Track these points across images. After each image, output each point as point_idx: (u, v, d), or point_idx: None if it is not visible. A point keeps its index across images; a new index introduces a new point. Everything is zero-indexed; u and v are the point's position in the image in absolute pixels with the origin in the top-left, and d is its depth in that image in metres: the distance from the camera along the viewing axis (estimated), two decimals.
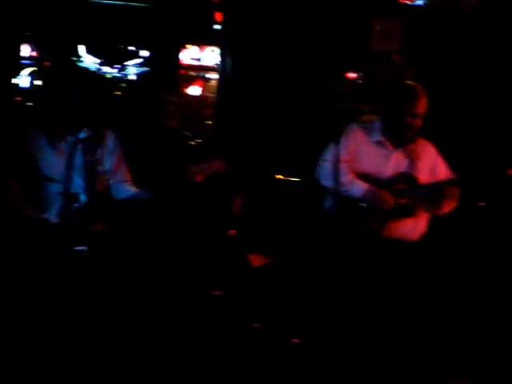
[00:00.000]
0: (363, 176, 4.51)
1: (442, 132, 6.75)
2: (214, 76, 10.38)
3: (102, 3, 9.00)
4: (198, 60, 13.32)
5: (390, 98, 4.67)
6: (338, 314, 4.28)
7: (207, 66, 13.41)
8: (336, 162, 4.24)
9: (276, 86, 8.02)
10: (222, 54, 8.92)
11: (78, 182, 4.30)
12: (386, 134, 4.61)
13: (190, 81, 12.43)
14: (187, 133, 8.10)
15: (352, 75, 8.50)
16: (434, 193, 4.53)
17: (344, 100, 8.00)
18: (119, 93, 9.13)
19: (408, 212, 4.50)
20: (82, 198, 4.24)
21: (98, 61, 8.98)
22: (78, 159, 4.28)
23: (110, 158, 4.57)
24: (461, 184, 4.58)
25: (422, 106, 4.52)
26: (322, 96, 7.95)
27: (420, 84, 4.81)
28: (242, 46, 8.27)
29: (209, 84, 12.65)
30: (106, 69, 9.11)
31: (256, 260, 4.71)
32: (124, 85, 9.41)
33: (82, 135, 4.36)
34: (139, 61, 9.25)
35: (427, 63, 8.01)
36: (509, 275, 5.14)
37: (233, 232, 4.95)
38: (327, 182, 4.54)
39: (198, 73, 12.89)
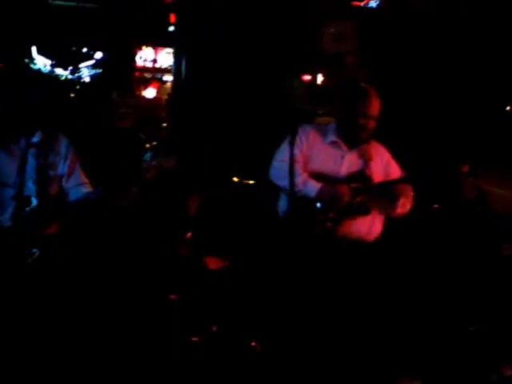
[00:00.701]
0: (317, 176, 4.52)
1: (395, 132, 6.82)
2: (170, 78, 10.34)
3: (54, 4, 8.90)
4: (153, 62, 13.28)
5: (344, 99, 4.70)
6: (294, 315, 4.28)
7: (162, 68, 13.37)
8: (289, 163, 4.25)
9: (230, 88, 8.01)
10: (176, 56, 8.87)
11: (30, 186, 4.26)
12: (340, 135, 4.63)
13: (145, 83, 12.37)
14: (142, 135, 8.07)
15: (307, 77, 8.54)
16: (387, 191, 4.56)
17: (300, 101, 8.03)
18: (73, 95, 9.04)
19: (363, 210, 4.52)
20: (34, 202, 4.20)
21: (51, 62, 8.88)
22: (31, 163, 4.23)
23: (62, 162, 4.51)
24: (413, 182, 4.62)
25: (375, 107, 4.55)
26: (277, 97, 7.96)
27: (373, 85, 4.84)
28: (195, 48, 8.24)
29: (164, 86, 12.60)
30: (58, 70, 9.01)
31: (213, 262, 4.68)
32: (77, 87, 9.32)
33: (35, 139, 4.31)
34: (92, 62, 9.17)
35: (381, 64, 8.07)
36: (462, 274, 5.20)
37: (189, 234, 4.92)
38: (281, 182, 4.54)
39: (153, 74, 12.84)
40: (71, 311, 4.06)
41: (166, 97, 10.96)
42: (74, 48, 8.91)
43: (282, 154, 4.52)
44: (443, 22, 8.18)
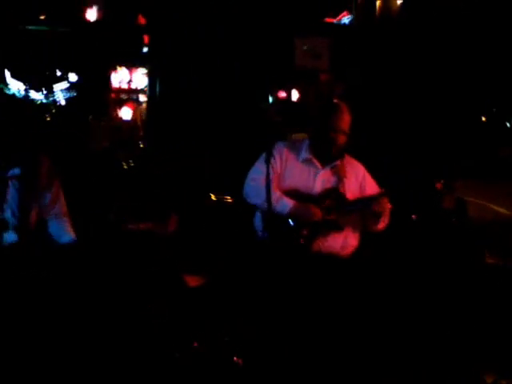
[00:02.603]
0: (291, 194, 4.56)
1: (371, 146, 6.93)
2: (146, 98, 10.38)
3: (28, 28, 8.95)
4: (129, 82, 13.31)
5: (315, 114, 4.76)
6: (272, 329, 4.32)
7: (138, 89, 13.41)
8: (263, 180, 4.30)
9: (204, 106, 8.09)
10: (150, 76, 8.94)
11: (8, 217, 4.20)
12: (314, 152, 4.68)
13: (121, 104, 12.39)
14: (120, 157, 8.11)
15: (283, 94, 8.63)
16: (362, 209, 4.62)
17: (274, 118, 8.11)
18: (49, 118, 9.07)
19: (335, 227, 4.57)
20: (12, 236, 4.15)
21: (25, 87, 8.90)
22: (12, 194, 4.18)
23: (46, 193, 4.43)
24: (388, 198, 4.67)
25: (346, 122, 4.60)
26: (253, 114, 8.04)
27: (348, 101, 4.92)
28: (168, 67, 8.32)
29: (140, 106, 12.64)
30: (33, 94, 9.04)
31: (192, 280, 4.73)
32: (53, 110, 9.35)
33: (16, 171, 4.23)
34: (67, 85, 9.20)
35: (355, 79, 8.18)
36: (443, 284, 5.26)
37: (168, 252, 4.96)
38: (254, 200, 4.59)
39: (128, 95, 12.87)
40: (55, 333, 4.09)
41: (142, 117, 11.01)
42: (47, 72, 8.95)
43: (256, 172, 4.56)
44: (416, 35, 8.32)
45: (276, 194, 4.50)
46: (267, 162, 4.17)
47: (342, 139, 4.56)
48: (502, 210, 7.74)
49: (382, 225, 4.69)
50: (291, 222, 4.51)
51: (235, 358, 4.31)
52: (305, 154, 4.68)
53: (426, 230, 5.94)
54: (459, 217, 6.04)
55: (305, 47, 8.43)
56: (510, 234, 6.06)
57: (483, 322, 4.90)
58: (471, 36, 8.48)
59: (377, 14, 8.79)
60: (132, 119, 11.38)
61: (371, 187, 4.78)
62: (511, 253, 5.66)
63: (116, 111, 12.31)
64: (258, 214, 4.66)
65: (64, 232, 4.49)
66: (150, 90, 8.70)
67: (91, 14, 9.41)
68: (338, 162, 4.65)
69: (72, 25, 9.08)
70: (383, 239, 5.31)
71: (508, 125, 9.24)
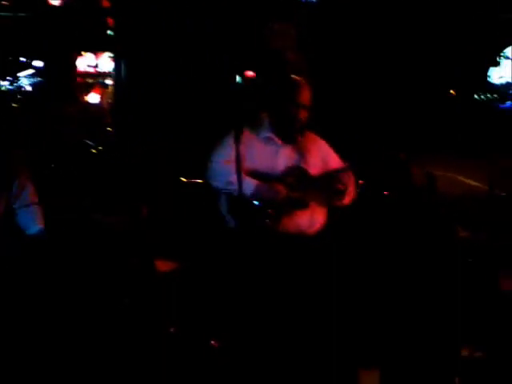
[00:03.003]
0: (254, 174, 4.51)
1: (336, 122, 6.92)
2: (112, 82, 10.29)
3: None
4: (95, 67, 13.18)
5: (274, 91, 4.72)
6: (244, 313, 4.30)
7: (104, 73, 13.28)
8: (224, 162, 4.27)
9: (172, 88, 8.01)
10: (116, 60, 8.82)
11: None
12: (274, 130, 4.62)
13: (88, 88, 12.27)
14: (89, 141, 8.03)
15: (250, 74, 8.58)
16: (327, 184, 4.58)
17: (243, 99, 8.06)
18: (15, 105, 8.96)
19: (300, 205, 4.53)
20: None
21: None
22: None
23: (13, 181, 4.38)
24: (352, 172, 4.64)
25: (307, 96, 4.56)
26: (221, 95, 7.99)
27: (315, 79, 4.89)
28: (134, 50, 8.22)
29: (108, 90, 12.52)
30: None
31: (163, 265, 4.70)
32: (19, 97, 9.24)
33: None
34: (32, 71, 9.09)
35: (321, 58, 8.15)
36: (415, 261, 5.28)
37: (139, 237, 4.93)
38: (217, 182, 4.53)
39: (95, 80, 12.74)
40: (26, 322, 4.05)
41: (109, 101, 10.91)
42: (11, 58, 8.83)
43: (218, 155, 4.51)
44: (383, 9, 8.31)
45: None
46: (237, 141, 4.13)
47: (303, 114, 4.51)
48: (471, 182, 7.80)
49: (348, 199, 4.66)
50: (256, 203, 4.46)
51: (212, 342, 4.30)
52: (265, 133, 4.62)
53: (397, 206, 5.94)
54: (430, 192, 6.05)
55: (272, 25, 8.38)
56: (481, 207, 6.10)
57: (456, 296, 4.92)
58: (441, 8, 8.47)
59: None
60: (99, 103, 11.29)
61: (335, 162, 4.73)
62: (482, 226, 5.68)
63: (83, 96, 12.21)
64: (222, 197, 4.61)
65: (32, 222, 4.43)
66: (117, 73, 8.58)
67: None
68: (300, 139, 4.60)
69: (35, 9, 8.96)
70: (353, 215, 5.32)
71: (476, 97, 9.28)
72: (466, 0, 8.63)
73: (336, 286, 4.50)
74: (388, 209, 5.90)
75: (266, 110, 4.74)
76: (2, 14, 8.91)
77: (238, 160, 4.06)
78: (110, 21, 8.94)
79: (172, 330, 4.40)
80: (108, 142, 8.45)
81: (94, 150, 7.77)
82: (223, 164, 4.35)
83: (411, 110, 8.06)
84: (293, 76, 4.66)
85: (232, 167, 4.25)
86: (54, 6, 9.13)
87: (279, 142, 4.58)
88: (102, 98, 11.44)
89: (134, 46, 8.21)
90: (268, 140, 4.62)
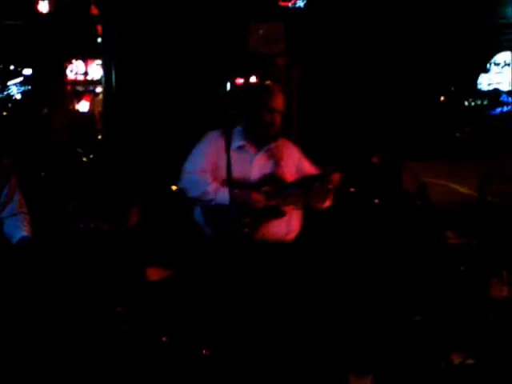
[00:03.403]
0: (229, 184, 4.45)
1: (327, 129, 6.92)
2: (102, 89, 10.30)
3: None
4: (85, 74, 13.19)
5: (247, 97, 4.68)
6: (231, 322, 4.28)
7: (95, 80, 13.28)
8: (198, 172, 4.21)
9: (162, 94, 8.00)
10: (105, 67, 8.77)
11: None
12: (248, 138, 4.55)
13: (78, 96, 12.28)
14: (79, 149, 8.01)
15: (240, 80, 8.59)
16: (303, 189, 4.55)
17: (231, 110, 8.06)
18: (5, 113, 8.95)
19: (278, 213, 4.50)
20: None
21: None
22: None
23: (4, 189, 4.36)
24: (326, 177, 4.60)
25: (280, 102, 4.52)
26: (210, 101, 7.98)
27: (306, 84, 4.90)
28: (123, 58, 8.19)
29: (97, 98, 12.51)
30: None
31: (155, 273, 4.67)
32: (9, 105, 9.23)
33: None
34: (21, 79, 9.09)
35: (312, 62, 8.17)
36: (406, 266, 5.28)
37: (131, 245, 4.90)
38: (192, 193, 4.45)
39: (85, 87, 12.75)
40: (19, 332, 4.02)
41: (99, 109, 10.92)
42: (0, 66, 8.82)
43: (191, 165, 4.43)
44: (374, 15, 8.33)
45: (213, 185, 4.38)
46: (227, 149, 4.10)
47: (278, 119, 4.48)
48: (463, 189, 7.82)
49: (326, 203, 4.62)
50: (233, 211, 4.41)
51: (204, 351, 4.27)
52: (238, 142, 4.54)
53: (388, 214, 5.94)
54: (421, 199, 6.05)
55: (260, 31, 8.38)
56: (472, 214, 6.10)
57: (448, 302, 4.92)
58: (430, 16, 8.51)
59: None
60: (89, 111, 11.30)
61: (309, 167, 4.69)
62: (474, 232, 5.68)
63: (73, 103, 12.22)
64: (198, 208, 4.55)
65: (18, 229, 4.38)
66: (106, 81, 8.54)
67: (43, 6, 9.28)
68: (273, 145, 4.57)
69: (24, 17, 8.95)
70: (341, 222, 5.30)
71: (466, 104, 9.32)
72: (456, 8, 8.65)
73: (322, 293, 4.48)
74: (378, 216, 5.89)
75: (240, 115, 4.70)
76: None
77: (229, 167, 4.04)
78: (100, 28, 8.93)
79: (164, 338, 4.36)
80: (98, 150, 8.43)
81: (84, 158, 7.75)
82: (198, 174, 4.30)
83: (402, 117, 8.08)
84: (265, 82, 4.64)
85: (207, 177, 4.22)
86: (44, 14, 9.13)
87: (253, 150, 4.51)
88: (91, 105, 11.46)
89: (122, 53, 8.17)
90: (241, 149, 4.54)
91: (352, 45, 8.22)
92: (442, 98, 9.35)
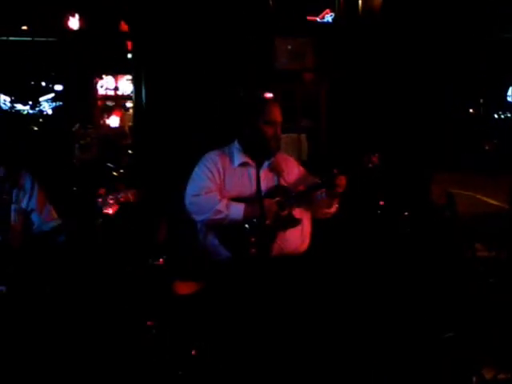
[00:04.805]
0: (237, 201, 4.40)
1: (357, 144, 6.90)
2: (132, 104, 10.36)
3: (10, 39, 8.89)
4: (115, 89, 13.28)
5: (244, 113, 4.62)
6: (254, 337, 4.25)
7: (124, 95, 13.38)
8: (205, 193, 4.18)
9: (192, 111, 8.02)
10: (135, 82, 8.82)
11: None
12: (248, 154, 4.52)
13: (108, 111, 12.36)
14: (109, 164, 8.05)
15: (269, 95, 8.58)
16: (311, 196, 4.50)
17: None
18: (36, 128, 9.03)
19: (294, 221, 4.46)
20: None
21: (10, 98, 8.87)
22: None
23: (28, 197, 4.47)
24: (332, 182, 4.55)
25: (278, 113, 4.50)
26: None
27: (334, 100, 4.88)
28: (153, 73, 8.24)
29: (128, 113, 12.60)
30: (19, 106, 9.00)
31: (184, 288, 4.67)
32: (40, 120, 9.31)
33: None
34: (52, 95, 9.18)
35: (340, 78, 8.16)
36: (436, 280, 5.24)
37: (160, 260, 4.90)
38: (204, 215, 4.37)
39: (115, 102, 12.84)
40: (44, 347, 4.05)
41: (129, 124, 10.97)
42: (32, 82, 8.92)
43: (196, 189, 4.37)
44: (400, 30, 8.31)
45: (224, 201, 4.32)
46: (200, 175, 4.16)
47: (278, 131, 4.46)
48: (491, 200, 7.75)
49: (333, 209, 4.58)
50: (247, 227, 4.36)
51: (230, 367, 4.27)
52: (239, 159, 4.48)
53: (416, 225, 5.90)
54: (449, 210, 6.00)
55: (288, 47, 8.38)
56: (501, 225, 6.04)
57: (478, 317, 4.87)
58: (458, 29, 8.47)
59: (359, 10, 8.75)
60: (120, 126, 11.36)
61: (309, 177, 4.66)
62: (504, 244, 5.63)
63: (103, 119, 12.31)
64: (211, 230, 4.46)
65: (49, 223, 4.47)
66: (136, 96, 8.59)
67: (73, 23, 9.37)
68: (272, 159, 4.53)
69: (55, 34, 9.03)
70: (369, 233, 5.28)
71: (496, 116, 9.25)
72: (484, 21, 8.62)
73: (345, 310, 4.46)
74: (406, 228, 5.86)
75: (238, 132, 4.64)
76: (22, 38, 8.98)
77: (207, 192, 4.07)
78: (129, 44, 9.00)
79: (193, 353, 4.35)
80: (129, 165, 8.48)
81: (114, 173, 7.78)
82: (205, 195, 4.26)
83: (431, 128, 8.04)
84: (259, 95, 4.60)
85: (215, 196, 4.19)
86: (74, 31, 9.22)
87: (255, 165, 4.45)
88: (122, 120, 11.52)
89: (152, 68, 8.23)
90: (243, 165, 4.50)
91: (381, 59, 8.20)
92: (471, 110, 9.28)
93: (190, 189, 4.33)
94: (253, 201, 4.25)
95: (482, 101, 9.87)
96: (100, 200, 3.98)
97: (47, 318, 4.00)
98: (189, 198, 4.31)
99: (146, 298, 4.56)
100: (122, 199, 4.00)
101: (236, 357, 4.14)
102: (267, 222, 4.15)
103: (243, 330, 4.11)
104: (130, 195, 4.01)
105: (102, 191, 4.19)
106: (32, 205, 4.37)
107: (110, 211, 3.99)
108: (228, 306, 4.14)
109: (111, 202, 3.95)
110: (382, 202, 5.96)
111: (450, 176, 6.87)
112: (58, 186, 5.37)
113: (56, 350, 4.00)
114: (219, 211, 4.18)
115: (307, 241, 4.43)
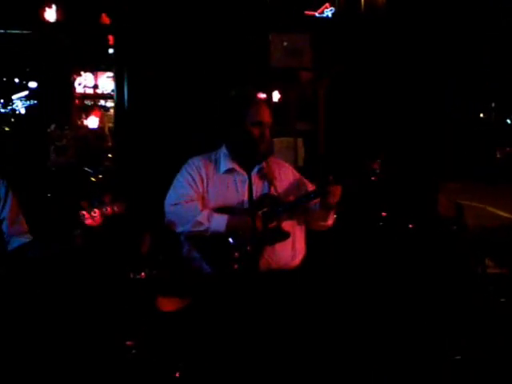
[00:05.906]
0: (222, 211, 4.35)
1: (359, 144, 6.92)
2: (113, 104, 10.36)
3: None
4: (94, 87, 13.26)
5: (229, 113, 4.54)
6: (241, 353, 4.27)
7: (104, 94, 13.34)
8: (185, 202, 4.14)
9: (177, 111, 8.01)
10: (117, 80, 8.79)
11: None
12: (236, 159, 4.44)
13: (87, 111, 12.34)
14: (87, 168, 8.04)
15: (263, 95, 8.60)
16: (304, 207, 4.47)
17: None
18: (7, 129, 9.04)
19: (281, 235, 4.41)
20: None
21: None
22: None
23: (1, 206, 4.45)
24: (326, 191, 4.51)
25: (265, 113, 4.40)
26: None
27: (333, 98, 4.89)
28: (137, 70, 8.20)
29: (108, 113, 12.57)
30: None
31: (167, 304, 4.67)
32: (13, 120, 9.32)
33: None
34: (26, 93, 9.18)
35: (339, 76, 8.20)
36: (443, 295, 5.27)
37: (142, 274, 4.90)
38: (183, 226, 4.32)
39: (94, 101, 12.83)
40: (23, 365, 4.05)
41: (110, 125, 10.97)
42: (4, 79, 8.91)
43: (176, 197, 4.32)
44: (405, 25, 8.36)
45: (205, 212, 4.27)
46: (180, 183, 4.14)
47: (267, 132, 4.37)
48: (503, 213, 7.78)
49: (329, 221, 4.55)
50: (231, 240, 4.32)
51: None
52: (226, 165, 4.39)
53: (423, 240, 5.92)
54: (458, 223, 6.03)
55: (284, 43, 8.38)
56: None
57: (489, 336, 4.90)
58: (467, 32, 8.53)
59: (362, 5, 8.81)
60: (99, 127, 11.35)
61: (303, 183, 4.61)
62: None
63: (81, 119, 12.29)
64: (192, 243, 4.43)
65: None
66: (118, 95, 8.55)
67: (50, 14, 9.35)
68: (264, 165, 4.46)
69: (29, 26, 9.02)
70: (374, 246, 5.30)
71: (509, 121, 9.30)
72: (495, 24, 8.68)
73: (345, 329, 4.48)
74: (412, 241, 5.88)
75: (223, 135, 4.58)
76: None
77: (187, 201, 4.05)
78: (111, 38, 9.00)
79: (177, 374, 4.37)
80: (108, 170, 8.47)
81: (92, 178, 7.78)
82: (185, 204, 4.22)
83: (438, 133, 8.08)
84: (249, 92, 4.48)
85: (196, 205, 4.12)
86: (50, 23, 9.21)
87: (243, 171, 4.39)
88: (101, 121, 11.53)
89: (136, 64, 8.20)
90: (230, 172, 4.43)
91: (385, 57, 8.24)
92: (482, 115, 9.33)
93: (170, 197, 4.26)
94: (239, 211, 4.21)
95: (493, 105, 9.90)
96: (83, 213, 3.95)
97: (21, 335, 4.02)
98: (168, 206, 4.24)
99: (125, 314, 4.57)
100: (108, 213, 3.96)
101: (222, 380, 4.15)
102: (247, 235, 4.10)
103: (229, 351, 4.11)
104: (116, 208, 3.96)
105: (84, 204, 4.15)
106: (4, 214, 4.37)
107: (94, 223, 3.97)
108: (214, 324, 4.13)
109: (95, 215, 3.91)
110: (384, 213, 5.98)
111: (459, 186, 6.90)
112: (32, 191, 5.36)
113: (31, 370, 4.02)
114: (200, 223, 4.11)
115: (300, 256, 4.38)
